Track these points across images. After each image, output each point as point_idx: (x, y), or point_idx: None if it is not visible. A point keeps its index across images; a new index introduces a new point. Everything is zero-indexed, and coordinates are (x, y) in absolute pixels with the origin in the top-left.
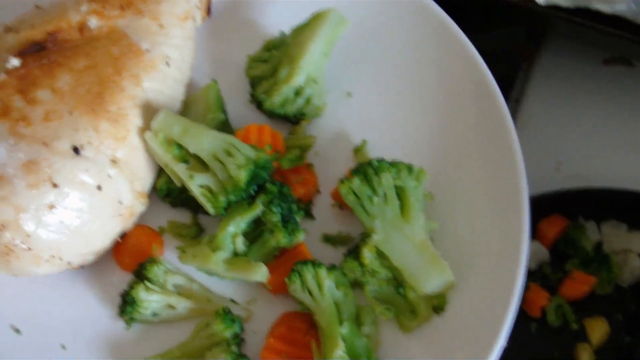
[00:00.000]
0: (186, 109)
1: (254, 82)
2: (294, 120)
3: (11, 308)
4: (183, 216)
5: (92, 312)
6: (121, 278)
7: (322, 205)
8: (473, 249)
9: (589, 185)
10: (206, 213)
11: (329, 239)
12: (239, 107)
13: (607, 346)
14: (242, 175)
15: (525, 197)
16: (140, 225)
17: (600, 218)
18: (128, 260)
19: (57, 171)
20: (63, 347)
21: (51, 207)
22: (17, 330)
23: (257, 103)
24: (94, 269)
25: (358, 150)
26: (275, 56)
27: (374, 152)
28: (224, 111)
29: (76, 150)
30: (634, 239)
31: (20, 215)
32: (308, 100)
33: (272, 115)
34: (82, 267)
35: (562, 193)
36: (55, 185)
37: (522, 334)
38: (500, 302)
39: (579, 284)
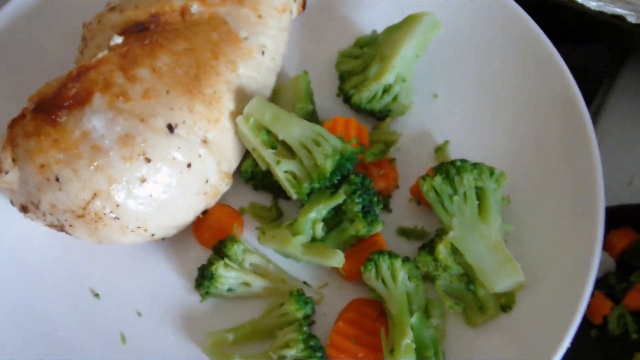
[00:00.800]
0: (276, 97)
1: (343, 76)
2: (379, 116)
3: (92, 273)
4: (264, 199)
5: (168, 284)
6: (199, 253)
7: (400, 200)
8: (546, 253)
9: None
10: (286, 198)
11: (404, 232)
12: (326, 99)
13: None
14: (328, 165)
15: (601, 209)
16: (221, 204)
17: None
18: (208, 236)
19: (151, 146)
20: (139, 313)
21: (142, 180)
22: (97, 295)
23: (345, 97)
24: (173, 242)
25: (439, 149)
26: (367, 53)
27: (455, 153)
28: (312, 102)
29: (170, 128)
30: None
31: (112, 186)
32: (395, 98)
33: (358, 109)
34: (164, 240)
35: (633, 206)
36: (148, 160)
37: (583, 339)
38: (567, 308)
39: None
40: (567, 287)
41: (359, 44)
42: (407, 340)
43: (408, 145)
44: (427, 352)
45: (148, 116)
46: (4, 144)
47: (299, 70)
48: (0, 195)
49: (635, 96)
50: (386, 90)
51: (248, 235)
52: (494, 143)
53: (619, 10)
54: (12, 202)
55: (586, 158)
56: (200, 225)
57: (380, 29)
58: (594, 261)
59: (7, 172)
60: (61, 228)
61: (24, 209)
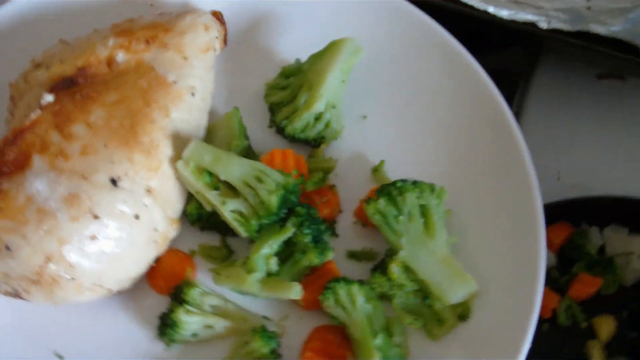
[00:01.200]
0: (210, 137)
1: (273, 108)
2: (313, 144)
3: (53, 335)
4: (212, 239)
5: (130, 335)
6: (156, 301)
7: (345, 223)
8: (494, 258)
9: (591, 194)
10: (235, 235)
11: (353, 255)
12: (259, 132)
13: (615, 342)
14: (274, 200)
15: (539, 208)
16: (171, 249)
17: (602, 224)
18: (163, 283)
19: (97, 203)
20: None
21: (93, 237)
22: (61, 357)
23: (278, 128)
24: (129, 293)
25: (376, 170)
26: (294, 83)
27: (391, 172)
28: (246, 137)
29: (114, 182)
30: (634, 242)
31: (63, 247)
32: (327, 125)
33: (293, 139)
34: (120, 293)
35: (566, 202)
36: (96, 217)
37: (535, 334)
38: (523, 307)
39: (585, 285)
40: (519, 287)
41: (284, 74)
42: None
43: (344, 169)
44: None
45: (90, 173)
46: None
47: (228, 106)
48: None
49: (550, 94)
50: (318, 118)
51: (202, 276)
52: (427, 158)
53: (530, 17)
54: None
55: (518, 161)
56: (154, 273)
57: (303, 56)
58: (541, 259)
59: None
60: (17, 295)
61: None
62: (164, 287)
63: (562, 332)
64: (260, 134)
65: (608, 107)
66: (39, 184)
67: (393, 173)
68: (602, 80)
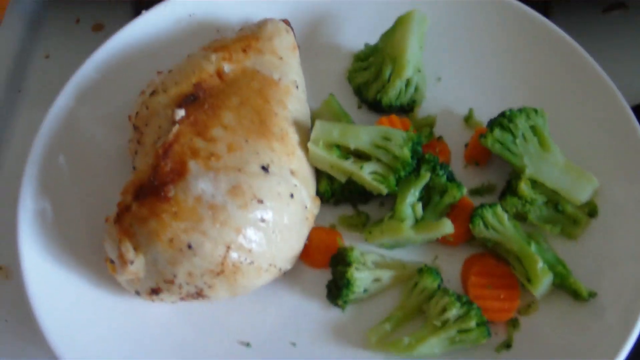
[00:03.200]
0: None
1: (360, 89)
2: (407, 108)
3: (231, 329)
4: (347, 211)
5: (304, 310)
6: (314, 276)
7: (457, 169)
8: (601, 163)
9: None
10: (365, 203)
11: (476, 192)
12: (351, 115)
13: None
14: (406, 152)
15: (629, 111)
16: (316, 227)
17: None
18: (320, 257)
19: (258, 189)
20: (293, 344)
21: (262, 220)
22: (248, 344)
23: (372, 104)
24: (290, 276)
25: (468, 118)
26: (374, 62)
27: (481, 117)
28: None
29: (264, 169)
30: None
31: (240, 234)
32: (417, 88)
33: (390, 109)
34: (284, 275)
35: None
36: (260, 202)
37: None
38: None
39: None
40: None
41: (359, 58)
42: (540, 264)
43: (438, 126)
44: (557, 269)
45: (243, 165)
46: (119, 237)
47: (312, 99)
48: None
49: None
50: (407, 84)
51: (349, 244)
52: (506, 100)
53: None
54: (137, 292)
55: (596, 79)
56: (308, 250)
57: (370, 41)
58: None
59: (132, 262)
60: (198, 294)
61: (154, 292)
62: (320, 260)
63: None
64: (352, 116)
65: (615, 35)
66: (202, 184)
67: (482, 117)
68: (607, 14)
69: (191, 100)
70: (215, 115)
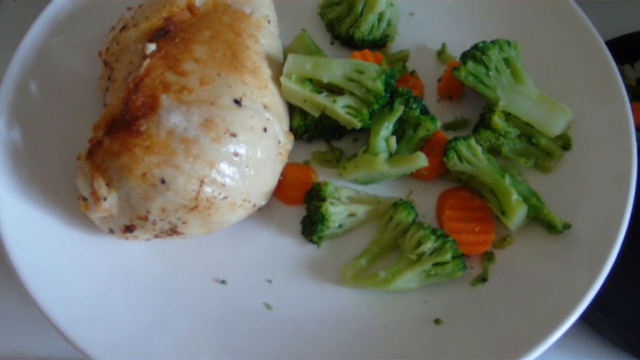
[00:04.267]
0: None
1: (333, 24)
2: (380, 43)
3: (210, 264)
4: (320, 147)
5: (280, 247)
6: (289, 212)
7: (431, 103)
8: (575, 97)
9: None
10: (338, 138)
11: (450, 126)
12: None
13: None
14: (379, 84)
15: (602, 42)
16: (291, 163)
17: (631, 61)
18: (294, 193)
19: (230, 122)
20: (269, 281)
21: (236, 154)
22: (223, 281)
23: (344, 39)
24: (265, 213)
25: (441, 52)
26: None
27: (453, 51)
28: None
29: (237, 102)
30: None
31: (214, 168)
32: (389, 23)
33: (362, 43)
34: (259, 211)
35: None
36: (233, 135)
37: None
38: (619, 130)
39: (638, 112)
40: (607, 113)
41: None
42: (514, 196)
43: (411, 61)
44: (531, 201)
45: (215, 98)
46: (91, 174)
47: (284, 35)
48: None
49: None
50: (380, 18)
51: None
52: (477, 32)
53: None
54: (111, 230)
55: (569, 13)
56: (282, 186)
57: None
58: (619, 80)
59: (105, 199)
60: (172, 231)
61: (128, 229)
62: (295, 196)
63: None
64: (325, 52)
65: None
66: (174, 117)
67: (455, 51)
68: None
69: (162, 34)
70: (187, 49)
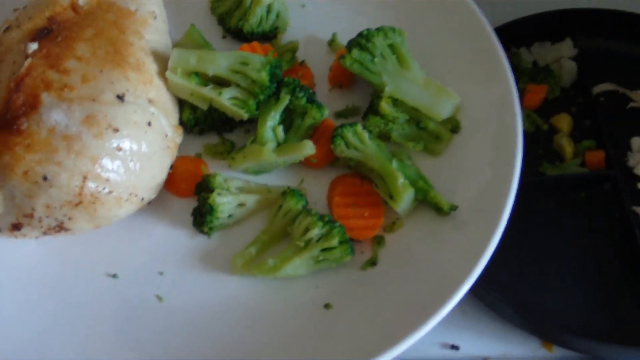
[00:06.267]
0: None
1: (223, 17)
2: (270, 36)
3: (101, 259)
4: (212, 139)
5: (171, 239)
6: (181, 205)
7: (322, 93)
8: (462, 82)
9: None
10: (230, 130)
11: (341, 114)
12: (215, 46)
13: (575, 132)
14: (264, 75)
15: (491, 30)
16: (181, 156)
17: (527, 44)
18: (185, 185)
19: (113, 118)
20: (160, 273)
21: (119, 149)
22: (114, 275)
23: (235, 33)
24: (156, 206)
25: (332, 42)
26: None
27: (343, 40)
28: (211, 47)
29: (120, 98)
30: (559, 49)
31: (96, 164)
32: (278, 15)
33: (252, 36)
34: (149, 204)
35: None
36: (115, 130)
37: None
38: (504, 115)
39: (535, 93)
40: (494, 101)
41: None
42: (401, 179)
43: (302, 52)
44: (419, 184)
45: (97, 95)
46: None
47: (176, 31)
48: None
49: None
50: (268, 11)
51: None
52: (368, 21)
53: None
54: None
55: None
56: (173, 179)
57: None
58: (509, 76)
59: None
60: (60, 227)
61: (15, 227)
62: (185, 189)
63: (530, 138)
64: (218, 47)
65: None
66: (55, 115)
67: (345, 40)
68: None
69: (45, 33)
70: (69, 47)
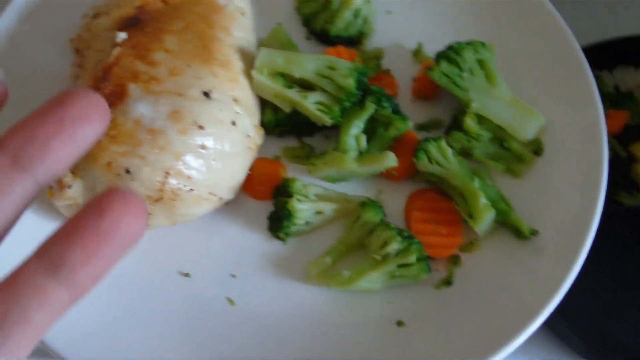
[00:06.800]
0: None
1: (308, 19)
2: (355, 40)
3: (175, 257)
4: (291, 142)
5: (244, 242)
6: (257, 207)
7: (405, 103)
8: (550, 102)
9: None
10: (310, 135)
11: (422, 127)
12: (299, 46)
13: None
14: (351, 82)
15: (579, 49)
16: (260, 158)
17: (610, 67)
18: (262, 188)
19: (198, 115)
20: (233, 276)
21: (203, 147)
22: (187, 274)
23: (319, 35)
24: (232, 206)
25: (417, 52)
26: None
27: (429, 51)
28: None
29: (206, 94)
30: None
31: (180, 160)
32: (365, 20)
33: (337, 39)
34: (226, 204)
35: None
36: (200, 127)
37: None
38: (590, 139)
39: (615, 119)
40: (581, 123)
41: None
42: (483, 200)
43: (386, 60)
44: (500, 205)
45: (184, 90)
46: None
47: (260, 29)
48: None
49: None
50: (356, 15)
51: (293, 175)
52: (456, 33)
53: None
54: None
55: (547, 17)
56: (251, 181)
57: None
58: (596, 96)
59: (70, 187)
60: None
61: None
62: (263, 191)
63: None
64: (300, 47)
65: None
66: (141, 107)
67: (431, 51)
68: None
69: (134, 23)
70: (158, 38)
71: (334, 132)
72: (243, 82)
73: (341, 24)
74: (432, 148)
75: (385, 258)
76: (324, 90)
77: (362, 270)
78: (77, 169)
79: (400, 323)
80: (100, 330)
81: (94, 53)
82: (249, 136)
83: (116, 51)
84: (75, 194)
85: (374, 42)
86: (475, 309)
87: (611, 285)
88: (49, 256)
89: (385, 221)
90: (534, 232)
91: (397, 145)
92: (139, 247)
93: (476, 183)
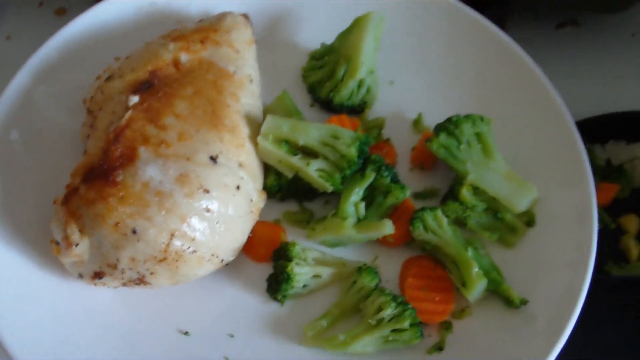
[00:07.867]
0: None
1: (314, 87)
2: (358, 109)
3: (175, 315)
4: (292, 207)
5: (243, 303)
6: (256, 269)
7: (403, 171)
8: (542, 176)
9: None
10: (310, 200)
11: (419, 195)
12: (303, 112)
13: None
14: (353, 151)
15: (573, 123)
16: (261, 221)
17: (602, 141)
18: (262, 251)
19: (205, 179)
20: (231, 335)
21: (207, 210)
22: (186, 332)
23: (323, 103)
24: (232, 268)
25: (416, 122)
26: (329, 61)
27: (428, 122)
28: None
29: (213, 159)
30: (634, 149)
31: (185, 223)
32: (368, 90)
33: (341, 108)
34: (226, 266)
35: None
36: (206, 191)
37: None
38: (581, 210)
39: (605, 192)
40: (571, 193)
41: (315, 56)
42: (475, 269)
43: (387, 127)
44: (491, 275)
45: (192, 154)
46: (65, 219)
47: (266, 94)
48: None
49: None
50: (360, 85)
51: (292, 239)
52: (455, 106)
53: None
54: (80, 275)
55: (542, 92)
56: (252, 244)
57: (327, 40)
58: (586, 164)
59: (76, 244)
60: (140, 280)
61: (97, 276)
62: (263, 254)
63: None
64: (304, 113)
65: (566, 51)
66: (150, 170)
67: (430, 122)
68: (560, 29)
69: (146, 87)
70: (169, 103)
71: (333, 197)
72: (249, 147)
73: (345, 93)
74: (428, 217)
75: (380, 323)
76: (326, 158)
77: (357, 334)
78: (84, 228)
79: None
80: None
81: (106, 115)
82: (251, 200)
83: (128, 114)
84: (81, 251)
85: (376, 111)
86: None
87: (598, 353)
88: None
89: (381, 287)
90: (524, 302)
91: (394, 212)
92: (140, 305)
93: (469, 252)
